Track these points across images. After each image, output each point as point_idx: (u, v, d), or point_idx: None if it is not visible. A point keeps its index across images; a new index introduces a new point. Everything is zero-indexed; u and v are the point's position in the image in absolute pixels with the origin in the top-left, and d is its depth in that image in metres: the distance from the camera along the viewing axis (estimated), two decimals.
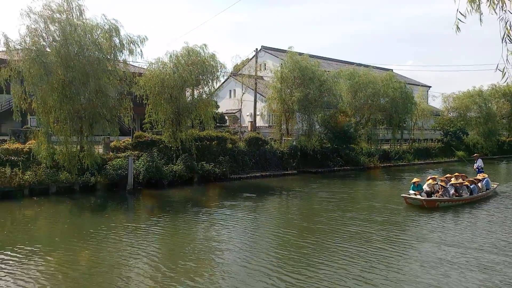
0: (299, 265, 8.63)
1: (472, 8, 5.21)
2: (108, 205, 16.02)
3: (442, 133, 40.11)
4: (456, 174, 17.76)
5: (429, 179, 16.55)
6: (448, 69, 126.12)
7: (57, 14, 16.52)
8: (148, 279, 7.88)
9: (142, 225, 12.31)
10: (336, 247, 9.98)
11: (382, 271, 8.28)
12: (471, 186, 16.43)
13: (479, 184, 17.08)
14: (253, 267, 8.53)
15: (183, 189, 19.46)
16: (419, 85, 54.61)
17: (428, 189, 15.87)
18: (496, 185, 18.77)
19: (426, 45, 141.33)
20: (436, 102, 72.83)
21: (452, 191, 15.65)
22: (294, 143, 27.75)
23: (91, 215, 14.07)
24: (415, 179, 16.33)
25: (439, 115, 43.21)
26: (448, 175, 17.61)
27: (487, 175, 18.47)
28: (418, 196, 15.15)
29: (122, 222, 12.82)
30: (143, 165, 19.14)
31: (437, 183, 16.04)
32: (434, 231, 11.75)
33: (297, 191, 19.42)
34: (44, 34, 16.54)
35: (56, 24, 16.46)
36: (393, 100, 31.44)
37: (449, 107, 42.32)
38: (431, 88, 57.87)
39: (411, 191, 15.65)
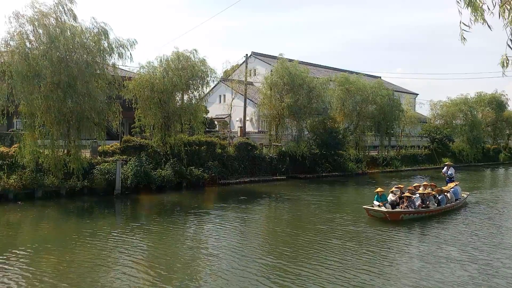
0: (286, 270, 8.64)
1: (476, 19, 5.30)
2: (95, 210, 15.83)
3: (429, 140, 40.70)
4: (425, 183, 16.80)
5: (393, 189, 15.19)
6: (435, 77, 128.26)
7: (46, 18, 16.36)
8: (133, 284, 7.79)
9: (128, 231, 12.18)
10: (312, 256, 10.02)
11: None
12: (439, 197, 15.38)
13: (448, 194, 16.06)
14: (241, 274, 8.50)
15: (171, 194, 19.34)
16: (407, 92, 55.36)
17: (393, 199, 14.55)
18: (466, 195, 17.86)
19: (415, 53, 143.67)
20: (423, 110, 74.10)
21: (418, 202, 14.50)
22: (283, 149, 27.86)
23: (76, 220, 13.86)
24: (379, 189, 14.89)
25: (426, 122, 43.86)
26: (416, 184, 16.63)
27: (455, 184, 17.38)
28: (381, 208, 13.94)
29: (107, 228, 12.66)
30: (131, 170, 18.97)
31: (403, 193, 14.78)
32: (391, 249, 10.53)
33: (286, 197, 19.46)
34: (31, 37, 16.37)
35: (44, 27, 16.30)
36: (381, 107, 31.82)
37: (436, 115, 43.02)
38: (418, 95, 58.69)
39: (375, 202, 14.41)
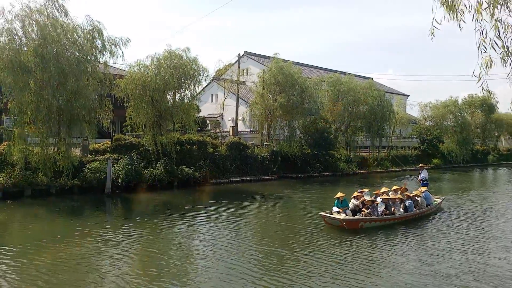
0: (276, 271, 8.66)
1: (450, 16, 5.49)
2: (85, 209, 15.69)
3: (419, 141, 41.13)
4: (395, 187, 15.51)
5: (356, 194, 13.85)
6: (426, 78, 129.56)
7: (37, 14, 16.16)
8: (122, 283, 7.75)
9: (118, 230, 12.10)
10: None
11: None
12: (407, 202, 13.89)
13: (419, 199, 14.74)
14: (232, 272, 8.51)
15: (162, 193, 19.25)
16: (398, 93, 55.86)
17: (356, 203, 13.32)
18: (440, 200, 16.45)
19: (406, 55, 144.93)
20: (413, 111, 74.72)
21: (382, 209, 13.14)
22: (275, 149, 27.92)
23: (65, 219, 13.72)
24: (339, 194, 13.46)
25: (417, 124, 44.35)
26: (384, 189, 14.99)
27: (425, 189, 16.03)
28: (337, 215, 12.62)
29: (97, 226, 12.55)
30: (122, 169, 18.84)
31: (365, 199, 13.44)
32: (343, 264, 9.11)
33: (277, 196, 19.49)
34: (20, 34, 16.16)
35: (34, 24, 16.10)
36: (373, 108, 32.08)
37: (426, 116, 43.50)
38: (409, 97, 59.26)
39: (335, 208, 13.09)
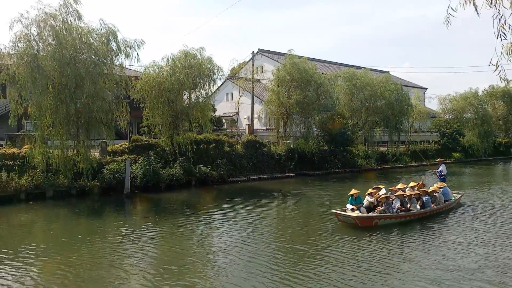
0: (298, 269, 8.61)
1: (466, 1, 5.29)
2: (105, 209, 15.95)
3: (438, 134, 40.25)
4: (412, 183, 15.07)
5: (371, 190, 13.44)
6: (444, 70, 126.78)
7: (52, 19, 16.49)
8: (143, 280, 7.84)
9: (139, 229, 12.23)
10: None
11: None
12: (424, 198, 13.53)
13: (437, 195, 14.31)
14: (251, 270, 8.50)
15: (180, 192, 19.41)
16: (415, 87, 54.84)
17: (371, 200, 13.02)
18: (459, 195, 16.09)
19: (423, 47, 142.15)
20: (432, 104, 73.30)
21: (397, 205, 12.73)
22: (291, 146, 27.78)
23: (86, 219, 13.99)
24: (353, 191, 13.09)
25: (436, 117, 43.41)
26: (400, 185, 14.47)
27: (445, 184, 15.52)
28: (351, 213, 12.35)
29: (117, 225, 12.76)
30: (140, 169, 19.08)
31: (379, 196, 13.00)
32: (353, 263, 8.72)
33: (294, 194, 19.40)
34: (37, 39, 16.51)
35: (50, 29, 16.42)
36: (390, 102, 31.55)
37: (445, 109, 42.48)
38: (427, 90, 58.11)
39: (348, 206, 12.84)
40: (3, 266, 8.72)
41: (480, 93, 43.42)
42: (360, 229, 11.84)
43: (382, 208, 12.54)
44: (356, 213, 12.28)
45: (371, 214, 12.48)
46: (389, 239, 11.03)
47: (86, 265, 8.83)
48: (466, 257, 9.35)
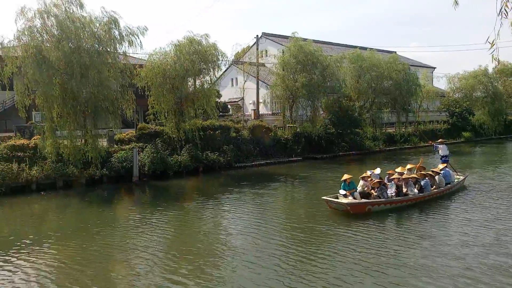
0: (314, 247, 8.69)
1: None
2: (114, 196, 16.16)
3: (448, 114, 39.74)
4: (410, 165, 14.23)
5: (365, 175, 12.86)
6: (452, 49, 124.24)
7: (55, 9, 16.43)
8: (151, 268, 7.97)
9: (148, 216, 12.39)
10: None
11: None
12: (422, 182, 12.80)
13: (437, 178, 13.54)
14: (258, 253, 8.59)
15: (189, 179, 19.55)
16: (423, 66, 53.93)
17: (366, 184, 12.46)
18: (463, 177, 15.24)
19: (430, 26, 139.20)
20: (441, 83, 72.16)
21: (392, 190, 12.07)
22: (298, 130, 27.66)
23: (96, 207, 14.20)
24: (345, 176, 12.35)
25: (445, 96, 42.79)
26: (400, 168, 13.81)
27: (445, 166, 14.68)
28: (342, 200, 11.68)
29: (127, 212, 12.93)
30: (147, 157, 19.21)
31: (373, 181, 12.32)
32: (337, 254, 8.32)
33: (302, 178, 19.41)
34: (41, 30, 16.48)
35: (53, 19, 16.38)
36: (397, 82, 31.13)
37: (454, 88, 41.82)
38: (435, 69, 57.10)
39: (341, 191, 12.06)
40: (19, 255, 8.92)
41: (490, 70, 42.62)
42: (351, 215, 11.20)
43: (375, 193, 11.91)
44: (347, 200, 11.63)
45: (363, 200, 11.77)
46: (381, 226, 10.42)
47: (97, 253, 9.01)
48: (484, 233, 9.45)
